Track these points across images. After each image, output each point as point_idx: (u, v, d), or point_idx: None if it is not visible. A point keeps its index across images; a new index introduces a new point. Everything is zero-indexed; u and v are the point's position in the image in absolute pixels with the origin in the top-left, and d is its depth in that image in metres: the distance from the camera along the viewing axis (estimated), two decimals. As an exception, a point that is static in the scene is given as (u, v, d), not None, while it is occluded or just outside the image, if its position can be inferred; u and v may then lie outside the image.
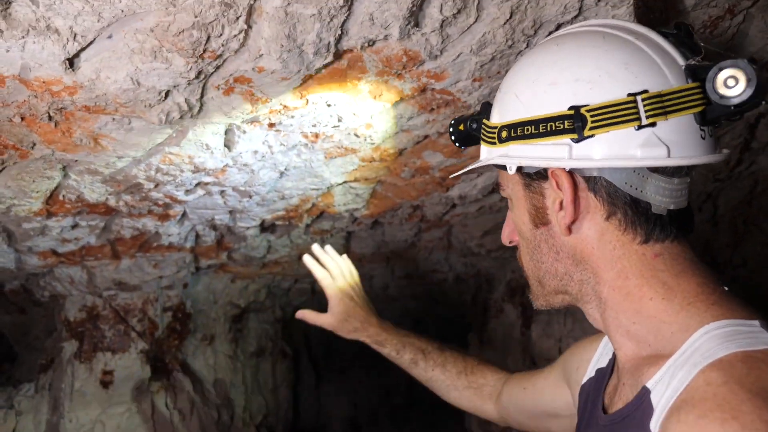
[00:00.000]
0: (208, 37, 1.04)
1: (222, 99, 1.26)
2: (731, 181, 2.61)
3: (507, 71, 0.89)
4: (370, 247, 3.05)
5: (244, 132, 1.43)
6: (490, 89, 1.40)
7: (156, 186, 1.65)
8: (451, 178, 0.97)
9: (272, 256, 2.86)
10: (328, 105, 1.36)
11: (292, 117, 1.38)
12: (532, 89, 0.77)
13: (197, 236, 2.31)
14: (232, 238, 2.43)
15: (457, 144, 0.99)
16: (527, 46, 1.25)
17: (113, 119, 1.28)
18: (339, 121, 1.46)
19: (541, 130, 0.75)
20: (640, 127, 0.71)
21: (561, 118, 0.73)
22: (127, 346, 2.48)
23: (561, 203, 0.77)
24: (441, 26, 1.14)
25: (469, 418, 3.50)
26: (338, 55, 1.19)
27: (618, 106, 0.71)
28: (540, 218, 0.81)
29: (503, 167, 0.82)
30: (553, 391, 1.15)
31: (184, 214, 2.00)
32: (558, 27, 1.22)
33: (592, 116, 0.72)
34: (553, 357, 2.63)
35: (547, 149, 0.75)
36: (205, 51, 1.07)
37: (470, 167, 0.89)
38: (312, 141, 1.56)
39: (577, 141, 0.73)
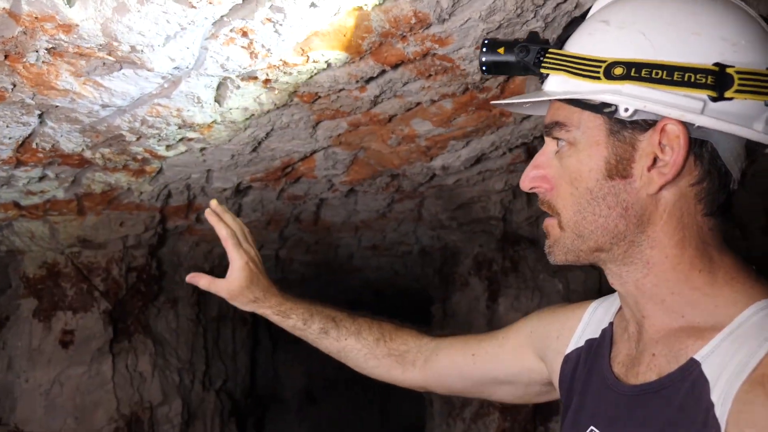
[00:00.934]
0: (218, -18, 1.00)
1: (221, 50, 1.21)
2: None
3: (611, 4, 0.79)
4: (341, 216, 3.03)
5: (238, 87, 1.39)
6: (491, 58, 1.39)
7: (138, 139, 1.59)
8: (496, 104, 0.88)
9: (242, 220, 2.80)
10: (328, 64, 1.33)
11: (290, 74, 1.34)
12: (667, 32, 0.72)
13: (169, 195, 2.24)
14: (205, 199, 2.37)
15: (483, 69, 0.87)
16: (534, 16, 1.24)
17: (104, 64, 1.21)
18: (335, 81, 1.42)
19: (675, 78, 0.70)
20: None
21: (703, 71, 0.69)
22: (89, 306, 2.40)
23: (655, 159, 0.73)
24: (454, -11, 1.12)
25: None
26: (347, 11, 1.15)
27: (762, 76, 0.70)
28: (620, 170, 0.75)
29: (586, 105, 0.75)
30: (511, 358, 1.10)
31: (160, 171, 1.94)
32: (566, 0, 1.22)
33: (740, 79, 0.69)
34: (519, 330, 2.68)
35: (676, 99, 0.70)
36: (212, -4, 1.03)
37: (540, 98, 0.80)
38: (305, 101, 1.52)
39: (714, 100, 0.70)
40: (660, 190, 0.74)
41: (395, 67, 1.41)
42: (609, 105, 0.73)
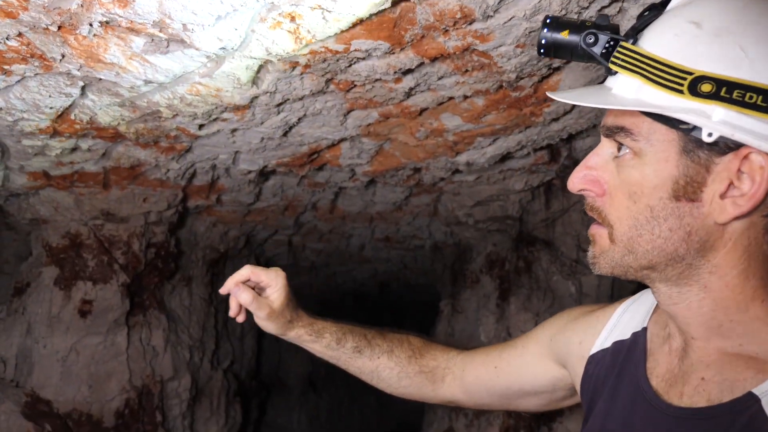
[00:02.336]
0: (275, -34, 1.02)
1: (267, 33, 1.24)
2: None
3: (710, 7, 0.68)
4: (357, 206, 3.06)
5: (278, 70, 1.41)
6: (529, 57, 1.41)
7: (174, 116, 1.61)
8: (552, 96, 0.77)
9: (261, 204, 2.84)
10: (368, 53, 1.35)
11: (330, 61, 1.37)
12: None
13: (194, 174, 2.27)
14: (228, 180, 2.41)
15: (541, 51, 0.77)
16: (578, 18, 1.26)
17: (152, 40, 1.24)
18: (373, 71, 1.45)
19: None
20: None
21: None
22: (109, 278, 2.44)
23: (729, 184, 0.67)
24: (502, -14, 1.14)
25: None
26: (394, 2, 1.17)
27: None
28: (688, 193, 0.68)
29: (660, 117, 0.68)
30: (534, 369, 1.06)
31: (189, 149, 1.97)
32: (612, 2, 1.24)
33: None
34: (529, 330, 2.70)
35: None
36: (267, -20, 1.05)
37: (609, 106, 0.71)
38: (340, 89, 1.55)
39: None
40: (731, 220, 0.68)
41: (433, 60, 1.43)
42: (687, 122, 0.66)
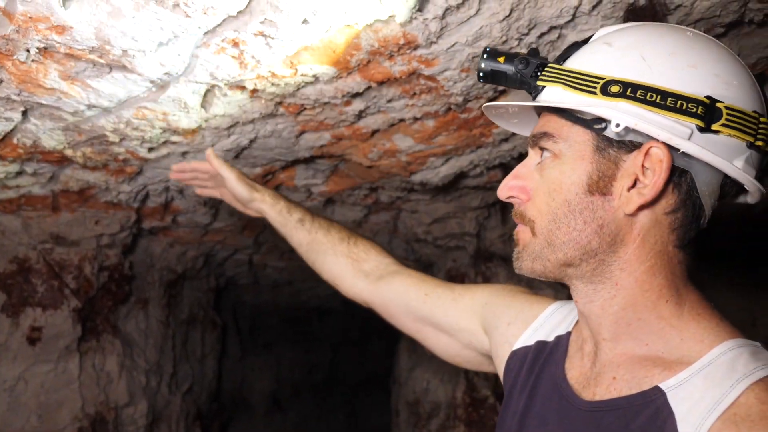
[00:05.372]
0: (214, -6, 1.02)
1: (211, 59, 1.23)
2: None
3: (613, 30, 0.83)
4: (317, 224, 3.05)
5: (225, 95, 1.41)
6: (474, 81, 1.43)
7: (121, 140, 1.59)
8: (488, 106, 0.90)
9: (218, 224, 2.81)
10: (315, 78, 1.36)
11: (277, 86, 1.37)
12: (667, 60, 0.75)
13: (147, 196, 2.24)
14: (182, 201, 2.38)
15: (480, 75, 0.89)
16: (518, 44, 1.29)
17: (93, 65, 1.22)
18: (321, 95, 1.45)
19: (667, 103, 0.73)
20: (751, 145, 0.74)
21: (695, 102, 0.72)
22: (59, 303, 2.37)
23: (636, 180, 0.75)
24: (443, 14, 1.16)
25: (396, 396, 3.57)
26: (338, 29, 1.18)
27: (748, 117, 0.74)
28: (600, 187, 0.77)
29: (577, 119, 0.78)
30: (459, 316, 1.11)
31: (140, 172, 1.94)
32: (550, 29, 1.27)
33: (728, 114, 0.72)
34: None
35: (667, 122, 0.73)
36: (207, 8, 1.05)
37: (534, 103, 0.82)
38: (290, 112, 1.54)
39: (701, 130, 0.72)
40: (637, 211, 0.76)
41: (381, 84, 1.44)
42: (599, 122, 0.77)
